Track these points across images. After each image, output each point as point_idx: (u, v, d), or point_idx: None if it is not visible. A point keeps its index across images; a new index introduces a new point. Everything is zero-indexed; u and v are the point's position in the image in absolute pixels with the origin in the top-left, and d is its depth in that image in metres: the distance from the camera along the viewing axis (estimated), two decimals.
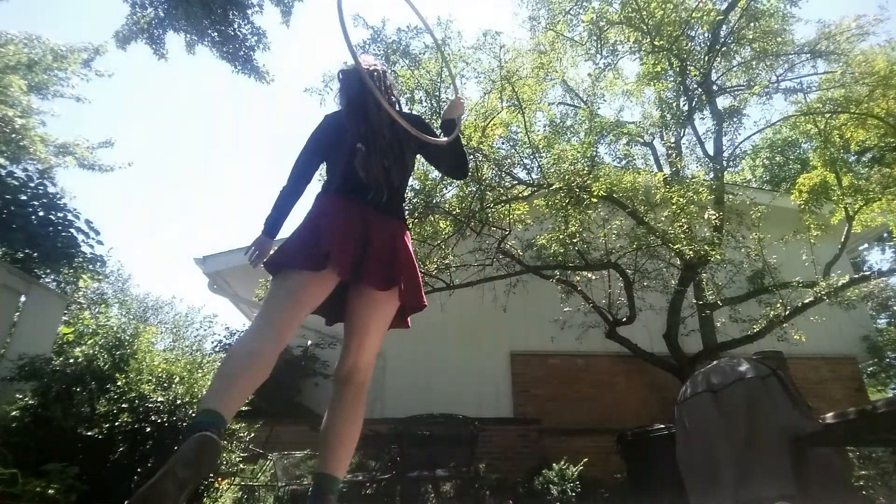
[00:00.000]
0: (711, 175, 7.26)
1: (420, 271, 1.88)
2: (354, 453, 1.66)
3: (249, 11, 6.19)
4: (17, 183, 4.56)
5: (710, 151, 7.70)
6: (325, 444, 1.56)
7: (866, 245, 15.11)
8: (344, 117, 1.86)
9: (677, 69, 7.36)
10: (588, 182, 6.10)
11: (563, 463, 5.45)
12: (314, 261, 1.55)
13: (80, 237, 4.70)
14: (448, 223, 6.43)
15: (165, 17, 6.02)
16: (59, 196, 4.69)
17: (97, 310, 4.88)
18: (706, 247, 5.85)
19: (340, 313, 1.78)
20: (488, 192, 6.33)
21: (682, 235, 5.90)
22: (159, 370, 3.39)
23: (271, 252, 1.77)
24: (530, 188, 6.64)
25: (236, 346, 1.46)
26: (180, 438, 1.19)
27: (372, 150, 1.72)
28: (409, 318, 1.83)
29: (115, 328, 3.68)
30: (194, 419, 1.22)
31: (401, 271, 1.67)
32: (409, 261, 1.73)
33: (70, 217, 4.66)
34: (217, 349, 8.27)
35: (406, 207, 2.12)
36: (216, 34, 6.06)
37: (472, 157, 6.27)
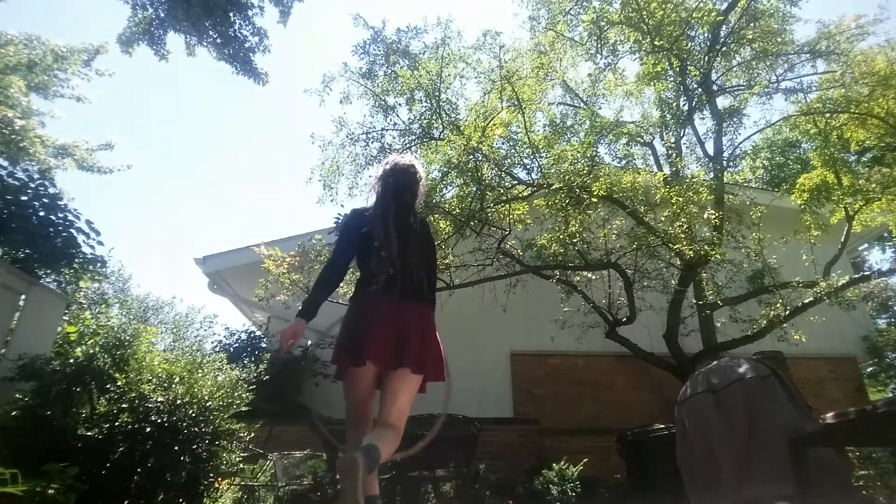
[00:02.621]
0: (711, 175, 7.25)
1: None
2: None
3: (250, 13, 6.19)
4: (17, 183, 4.54)
5: (710, 151, 7.70)
6: (375, 434, 1.93)
7: (866, 245, 15.11)
8: (370, 216, 2.23)
9: (677, 69, 7.35)
10: (588, 182, 6.09)
11: (563, 463, 5.44)
12: (355, 359, 2.03)
13: (81, 237, 4.67)
14: (448, 223, 6.42)
15: (166, 18, 6.01)
16: (59, 196, 4.66)
17: (98, 310, 4.85)
18: (706, 247, 5.85)
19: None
20: (488, 192, 6.33)
21: (682, 235, 5.89)
22: (159, 370, 3.39)
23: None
24: (530, 188, 6.63)
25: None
26: None
27: (388, 256, 2.10)
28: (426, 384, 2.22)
29: (115, 328, 3.67)
30: None
31: (427, 355, 2.09)
32: (432, 343, 2.14)
33: (70, 217, 4.63)
34: (217, 349, 8.26)
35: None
36: (217, 35, 6.05)
37: (471, 157, 6.28)
